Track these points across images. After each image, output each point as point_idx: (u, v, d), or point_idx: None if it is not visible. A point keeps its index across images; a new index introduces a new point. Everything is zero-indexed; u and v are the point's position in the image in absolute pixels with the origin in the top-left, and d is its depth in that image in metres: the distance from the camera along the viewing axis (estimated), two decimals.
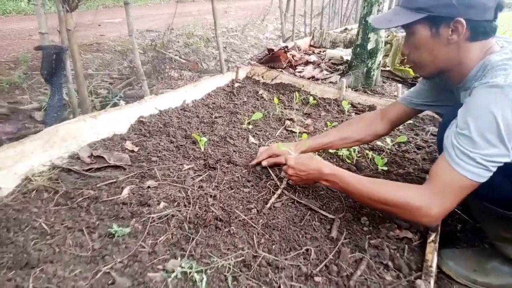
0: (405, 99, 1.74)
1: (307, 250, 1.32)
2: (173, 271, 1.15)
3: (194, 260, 1.22)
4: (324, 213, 1.53)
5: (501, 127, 1.06)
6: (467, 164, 1.12)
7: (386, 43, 4.13)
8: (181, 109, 2.39)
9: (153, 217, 1.40)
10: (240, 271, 1.20)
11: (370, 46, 3.43)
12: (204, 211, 1.46)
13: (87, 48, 4.77)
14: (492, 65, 1.18)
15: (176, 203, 1.49)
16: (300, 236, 1.39)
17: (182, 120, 2.25)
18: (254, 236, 1.36)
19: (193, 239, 1.31)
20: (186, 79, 3.79)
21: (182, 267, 1.17)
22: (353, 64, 3.55)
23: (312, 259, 1.29)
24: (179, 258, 1.23)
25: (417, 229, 1.47)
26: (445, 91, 1.56)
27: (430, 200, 1.18)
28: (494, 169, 1.12)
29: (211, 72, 4.20)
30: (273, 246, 1.32)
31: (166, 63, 4.29)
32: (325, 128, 2.37)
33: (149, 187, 1.58)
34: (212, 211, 1.45)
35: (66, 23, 1.72)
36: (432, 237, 1.40)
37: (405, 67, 3.84)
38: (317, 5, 6.42)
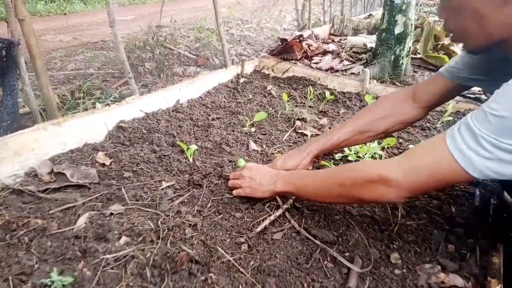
0: (449, 72, 1.30)
1: None
2: None
3: None
4: (339, 249, 1.13)
5: None
6: (464, 142, 0.85)
7: (416, 27, 3.65)
8: (173, 111, 2.04)
9: (107, 259, 1.05)
10: None
11: (397, 30, 2.97)
12: (177, 248, 1.10)
13: (91, 46, 4.52)
14: None
15: (141, 238, 1.13)
16: (306, 285, 1.01)
17: (172, 123, 1.90)
18: (241, 287, 0.99)
19: None
20: (191, 76, 3.45)
21: None
22: (378, 51, 3.10)
23: None
24: None
25: (469, 273, 1.06)
26: (505, 62, 1.12)
27: (397, 168, 0.97)
28: (492, 175, 0.83)
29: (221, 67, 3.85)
30: None
31: (173, 59, 3.97)
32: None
33: (112, 214, 1.24)
34: (187, 250, 1.08)
35: (16, 12, 1.40)
36: (493, 285, 0.99)
37: (439, 54, 3.36)
38: None
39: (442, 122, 2.09)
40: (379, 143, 1.74)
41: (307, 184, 1.18)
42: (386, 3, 3.02)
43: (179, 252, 1.07)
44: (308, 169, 1.48)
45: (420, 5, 7.86)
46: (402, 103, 1.41)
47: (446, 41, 3.56)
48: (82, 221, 1.21)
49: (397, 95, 1.46)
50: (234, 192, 1.35)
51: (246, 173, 1.32)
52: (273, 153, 1.70)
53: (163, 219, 1.22)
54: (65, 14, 7.82)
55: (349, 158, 1.66)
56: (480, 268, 1.07)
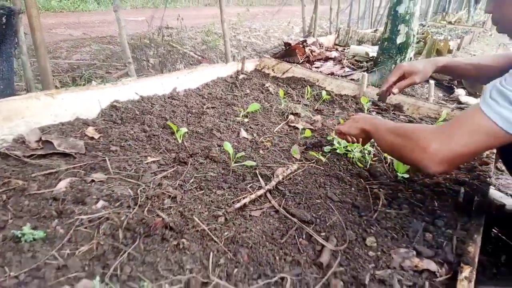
0: None
1: (282, 279, 0.93)
2: None
3: (116, 283, 0.86)
4: (316, 229, 1.13)
5: None
6: (499, 105, 0.90)
7: (419, 41, 3.68)
8: (168, 97, 2.05)
9: (82, 219, 1.05)
10: None
11: (399, 40, 3.00)
12: (154, 216, 1.10)
13: (98, 40, 4.58)
14: None
15: (118, 203, 1.13)
16: (277, 258, 1.00)
17: (166, 108, 1.91)
18: (212, 254, 0.98)
19: (124, 252, 0.95)
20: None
21: None
22: (379, 60, 3.12)
23: None
24: (96, 278, 0.87)
25: (444, 259, 1.05)
26: None
27: (437, 136, 1.00)
28: None
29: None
30: (235, 271, 0.94)
31: (178, 56, 4.01)
32: (336, 126, 1.96)
33: (93, 181, 1.24)
34: (162, 216, 1.08)
35: None
36: (466, 273, 0.97)
37: None
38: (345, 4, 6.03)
39: None
40: None
41: (381, 128, 1.24)
42: (390, 13, 3.05)
43: (154, 219, 1.07)
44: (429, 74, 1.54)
45: (428, 26, 7.93)
46: None
47: (448, 56, 3.58)
48: (62, 185, 1.21)
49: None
50: (335, 127, 1.53)
51: (353, 117, 1.43)
52: (263, 142, 1.71)
53: (143, 188, 1.22)
54: (77, 11, 7.95)
55: (338, 151, 1.66)
56: (456, 256, 1.06)
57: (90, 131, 1.57)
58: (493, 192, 1.61)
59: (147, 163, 1.39)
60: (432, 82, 2.59)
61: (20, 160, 1.35)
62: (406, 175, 1.49)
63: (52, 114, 1.57)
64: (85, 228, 1.03)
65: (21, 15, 1.53)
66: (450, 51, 3.77)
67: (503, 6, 1.06)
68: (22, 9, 1.55)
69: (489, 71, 1.43)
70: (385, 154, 1.66)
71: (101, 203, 1.13)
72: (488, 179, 1.55)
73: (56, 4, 8.49)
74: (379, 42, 3.57)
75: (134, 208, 1.12)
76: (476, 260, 1.02)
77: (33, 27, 1.55)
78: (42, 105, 1.54)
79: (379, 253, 1.06)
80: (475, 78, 1.57)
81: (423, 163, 1.03)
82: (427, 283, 0.95)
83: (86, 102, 1.69)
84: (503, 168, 2.15)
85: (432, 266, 1.01)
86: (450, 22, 8.79)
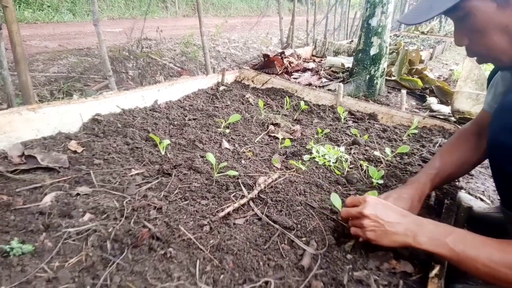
0: (490, 105, 1.33)
1: (266, 283, 0.98)
2: None
3: None
4: (297, 234, 1.18)
5: None
6: None
7: (392, 51, 3.83)
8: (150, 110, 2.09)
9: (70, 232, 1.08)
10: None
11: (373, 51, 3.12)
12: (141, 226, 1.13)
13: (76, 52, 4.54)
14: None
15: (105, 215, 1.16)
16: (261, 263, 1.05)
17: (148, 121, 1.94)
18: (198, 262, 1.02)
19: (113, 263, 0.98)
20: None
21: None
22: (354, 71, 3.24)
23: None
24: None
25: (419, 259, 1.12)
26: None
27: None
28: None
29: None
30: (221, 276, 0.98)
31: (157, 68, 4.03)
32: (315, 136, 2.03)
33: (78, 194, 1.27)
34: (149, 226, 1.12)
35: None
36: (435, 270, 1.04)
37: (413, 77, 3.52)
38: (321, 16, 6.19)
39: (408, 135, 2.18)
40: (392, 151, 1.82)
41: (473, 257, 0.91)
42: (363, 25, 3.18)
43: (141, 230, 1.10)
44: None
45: (402, 37, 8.19)
46: (476, 139, 1.38)
47: (419, 66, 3.74)
48: (48, 199, 1.23)
49: (468, 134, 1.42)
50: (352, 230, 1.11)
51: (369, 211, 1.05)
52: (244, 152, 1.76)
53: (129, 200, 1.25)
54: (52, 22, 7.81)
55: (316, 159, 1.73)
56: (428, 256, 1.13)
57: (73, 144, 1.59)
58: (463, 195, 1.70)
59: (131, 175, 1.42)
60: (404, 91, 2.71)
61: (3, 176, 1.35)
62: (381, 181, 1.56)
63: (34, 129, 1.58)
64: (73, 240, 1.06)
65: (1, 31, 1.54)
66: (421, 61, 3.93)
67: (485, 37, 0.99)
68: (2, 21, 1.56)
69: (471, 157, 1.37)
70: (361, 162, 1.74)
71: (87, 215, 1.15)
72: (457, 183, 1.64)
73: (29, 15, 8.28)
74: (353, 54, 3.70)
75: (121, 220, 1.15)
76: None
77: (14, 42, 1.56)
78: (23, 119, 1.55)
79: (357, 255, 1.12)
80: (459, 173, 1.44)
81: None
82: (401, 282, 1.02)
83: (68, 116, 1.71)
84: (472, 172, 2.27)
85: (409, 267, 1.08)
86: (423, 33, 9.11)
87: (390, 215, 1.05)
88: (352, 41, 5.84)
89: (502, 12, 0.94)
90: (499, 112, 0.99)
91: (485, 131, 1.09)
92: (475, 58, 1.10)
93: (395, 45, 3.97)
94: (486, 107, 1.38)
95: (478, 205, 1.63)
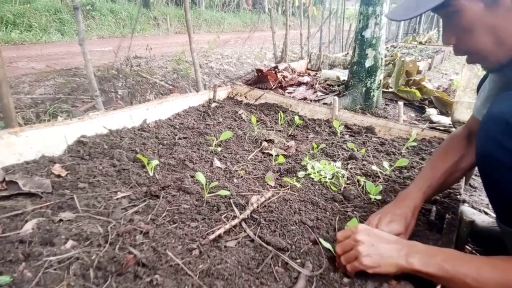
0: (479, 111, 1.29)
1: None
2: None
3: None
4: (291, 256, 1.12)
5: None
6: None
7: (388, 63, 3.83)
8: (138, 129, 2.04)
9: (51, 261, 1.01)
10: None
11: (368, 63, 3.11)
12: (126, 253, 1.07)
13: (63, 73, 4.50)
14: None
15: (88, 242, 1.10)
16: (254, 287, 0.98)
17: (136, 141, 1.89)
18: None
19: None
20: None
21: None
22: (350, 83, 3.22)
23: None
24: None
25: (420, 279, 1.05)
26: None
27: None
28: None
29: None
30: None
31: (148, 87, 4.00)
32: (310, 151, 1.98)
33: (61, 220, 1.20)
34: (134, 252, 1.05)
35: None
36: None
37: (411, 89, 3.50)
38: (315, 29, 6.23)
39: (407, 148, 2.13)
40: (391, 165, 1.77)
41: (463, 273, 0.89)
42: (357, 37, 3.17)
43: (126, 256, 1.04)
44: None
45: (399, 47, 8.18)
46: (467, 145, 1.35)
47: (417, 77, 3.73)
48: (29, 226, 1.16)
49: (459, 139, 1.39)
50: (349, 268, 1.03)
51: (362, 237, 1.02)
52: (237, 170, 1.71)
53: (114, 225, 1.19)
54: (40, 43, 7.72)
55: (312, 176, 1.68)
56: None
57: (57, 168, 1.53)
58: (465, 209, 1.64)
59: (117, 199, 1.36)
60: (401, 103, 2.67)
61: None
62: (379, 197, 1.51)
63: (16, 153, 1.53)
64: (54, 269, 0.99)
65: None
66: (419, 72, 3.92)
67: (472, 37, 0.97)
68: None
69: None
70: (359, 177, 1.69)
71: (70, 243, 1.09)
72: (458, 197, 1.59)
73: (16, 36, 8.15)
74: (349, 66, 3.69)
75: (105, 246, 1.08)
76: None
77: None
78: (5, 144, 1.49)
79: (354, 277, 1.05)
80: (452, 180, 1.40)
81: None
82: None
83: (52, 139, 1.65)
84: (476, 185, 2.22)
85: (410, 287, 1.02)
86: (420, 43, 9.11)
87: (383, 239, 1.03)
88: (347, 53, 5.86)
89: (489, 13, 0.92)
90: (485, 123, 0.96)
91: (475, 136, 1.05)
92: (465, 57, 1.07)
93: (391, 56, 3.96)
94: (475, 112, 1.34)
95: (482, 219, 1.58)
